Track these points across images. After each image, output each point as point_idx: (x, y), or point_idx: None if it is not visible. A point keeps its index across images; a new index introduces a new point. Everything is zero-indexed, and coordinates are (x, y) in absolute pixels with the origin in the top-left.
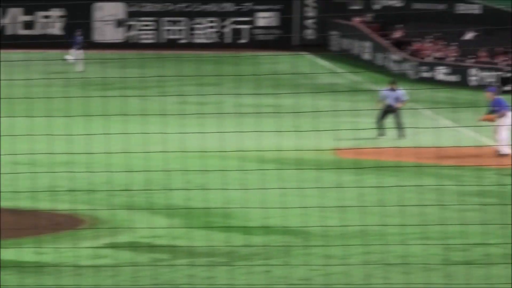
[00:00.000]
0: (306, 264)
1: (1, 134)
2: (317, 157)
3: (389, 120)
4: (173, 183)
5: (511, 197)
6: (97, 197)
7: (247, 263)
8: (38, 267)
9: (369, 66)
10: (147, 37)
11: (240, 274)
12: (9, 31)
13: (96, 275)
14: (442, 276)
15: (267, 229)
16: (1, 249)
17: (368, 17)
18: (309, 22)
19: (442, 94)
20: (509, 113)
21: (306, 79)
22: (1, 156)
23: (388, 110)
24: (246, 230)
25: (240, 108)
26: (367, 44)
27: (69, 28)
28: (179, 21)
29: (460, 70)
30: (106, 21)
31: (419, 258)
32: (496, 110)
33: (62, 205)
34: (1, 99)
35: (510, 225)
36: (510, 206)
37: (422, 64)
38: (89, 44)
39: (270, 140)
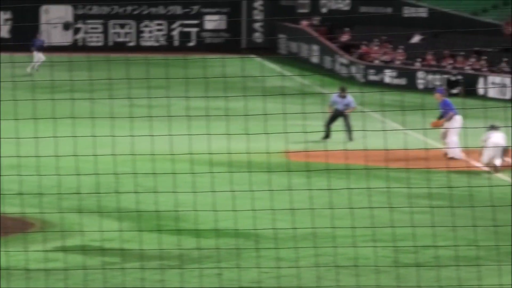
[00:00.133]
0: (257, 267)
1: None
2: (267, 160)
3: (338, 123)
4: (123, 186)
5: (459, 200)
6: (46, 200)
7: (198, 266)
8: None
9: (318, 69)
10: (95, 40)
11: (191, 277)
12: None
13: (46, 278)
14: (392, 278)
15: (218, 232)
16: None
17: (316, 20)
18: (257, 25)
19: (390, 97)
20: (457, 116)
21: (255, 82)
22: None
23: (338, 115)
24: (197, 233)
25: (190, 111)
26: (315, 47)
27: (15, 31)
28: (127, 24)
29: (407, 73)
30: (54, 24)
31: (369, 260)
32: (444, 111)
33: (11, 209)
34: None
35: (459, 227)
36: (459, 208)
37: (369, 67)
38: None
39: (220, 143)
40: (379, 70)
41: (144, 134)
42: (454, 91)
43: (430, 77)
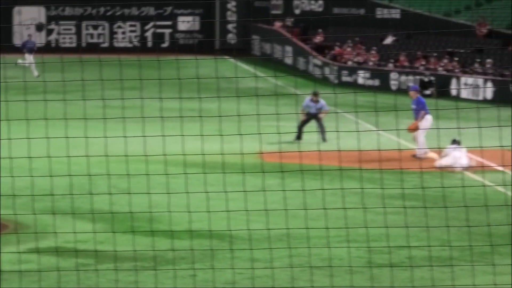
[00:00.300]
0: (232, 268)
1: None
2: (241, 161)
3: (312, 124)
4: (97, 188)
5: (432, 200)
6: (19, 202)
7: (173, 267)
8: None
9: (291, 70)
10: (68, 41)
11: (166, 278)
12: None
13: (20, 280)
14: (366, 278)
15: (192, 233)
16: None
17: (289, 21)
18: (230, 26)
19: (363, 98)
20: (428, 116)
21: (229, 83)
22: None
23: (310, 118)
24: (171, 234)
25: (164, 112)
26: (289, 48)
27: None
28: (100, 25)
29: (380, 74)
30: (26, 25)
31: (343, 260)
32: (417, 111)
33: None
34: None
35: (433, 228)
36: (432, 208)
37: (343, 68)
38: (8, 48)
39: (194, 144)
40: (352, 71)
41: (118, 135)
42: (427, 92)
43: (403, 78)
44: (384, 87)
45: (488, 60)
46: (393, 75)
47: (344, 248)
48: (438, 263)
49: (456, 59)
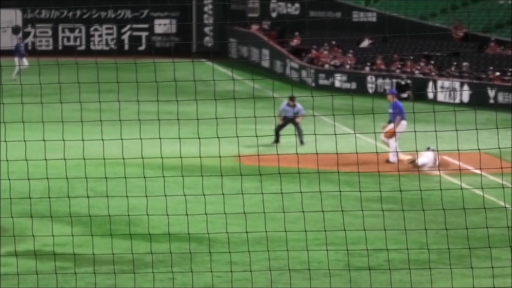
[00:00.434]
0: (210, 271)
1: None
2: (219, 164)
3: (289, 128)
4: (74, 191)
5: (410, 203)
6: None
7: (151, 271)
8: None
9: (268, 73)
10: (44, 44)
11: (145, 282)
12: None
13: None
14: (345, 281)
15: (170, 236)
16: None
17: (266, 25)
18: (207, 29)
19: (340, 101)
20: (403, 121)
21: (206, 86)
22: None
23: (287, 122)
24: (149, 237)
25: (141, 115)
26: (266, 51)
27: None
28: (77, 28)
29: (357, 78)
30: (2, 28)
31: (322, 263)
32: (393, 115)
33: None
34: None
35: (411, 231)
36: (410, 211)
37: (320, 71)
38: None
39: (172, 147)
40: (329, 74)
41: (95, 138)
42: (404, 95)
43: (380, 81)
44: (361, 90)
45: (465, 63)
46: (370, 78)
47: (323, 251)
48: (417, 266)
49: (433, 62)
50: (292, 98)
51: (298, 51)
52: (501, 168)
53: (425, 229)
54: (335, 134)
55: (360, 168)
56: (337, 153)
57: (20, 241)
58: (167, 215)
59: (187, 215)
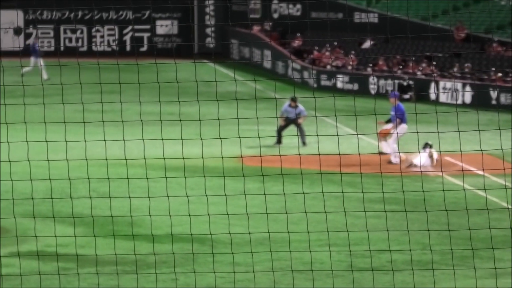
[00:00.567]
0: (213, 272)
1: None
2: (222, 164)
3: (292, 128)
4: (77, 192)
5: (412, 204)
6: None
7: (154, 271)
8: None
9: (270, 74)
10: (46, 45)
11: (147, 282)
12: None
13: (1, 284)
14: (348, 282)
15: (173, 237)
16: None
17: (267, 25)
18: (209, 30)
19: (342, 102)
20: (404, 125)
21: (208, 87)
22: None
23: (289, 123)
24: (152, 238)
25: (143, 116)
26: (268, 52)
27: None
28: (78, 29)
29: (359, 79)
30: (4, 29)
31: (324, 264)
32: (397, 116)
33: None
34: None
35: (413, 232)
36: (413, 212)
37: (321, 72)
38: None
39: (174, 148)
40: (331, 75)
41: (98, 139)
42: (406, 96)
43: (382, 82)
44: (363, 91)
45: (467, 64)
46: (372, 79)
47: (325, 252)
48: (419, 267)
49: (434, 63)
50: (294, 99)
51: (300, 52)
52: (504, 169)
53: (428, 230)
54: (337, 135)
55: (362, 169)
56: (339, 154)
57: (23, 241)
58: (170, 215)
59: (189, 215)
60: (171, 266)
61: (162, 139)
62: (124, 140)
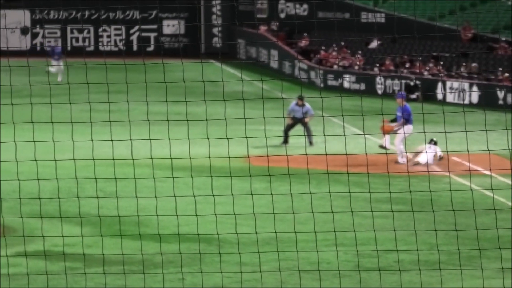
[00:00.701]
0: (220, 272)
1: None
2: (228, 164)
3: (298, 128)
4: (84, 191)
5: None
6: (6, 205)
7: (161, 271)
8: None
9: (277, 74)
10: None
11: (154, 282)
12: None
13: (8, 284)
14: (355, 282)
15: (180, 237)
16: None
17: (274, 25)
18: (215, 30)
19: (349, 102)
20: (410, 126)
21: (215, 87)
22: None
23: (296, 122)
24: (159, 238)
25: (150, 116)
26: (274, 52)
27: None
28: (85, 29)
29: (366, 78)
30: (11, 28)
31: (331, 264)
32: (404, 117)
33: None
34: None
35: (421, 232)
36: (420, 212)
37: (328, 72)
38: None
39: (181, 148)
40: (338, 75)
41: (105, 139)
42: (413, 96)
43: (389, 82)
44: (370, 91)
45: (473, 64)
46: (379, 79)
47: (332, 252)
48: (426, 267)
49: (441, 63)
50: (301, 98)
51: (306, 52)
52: (511, 169)
53: (435, 230)
54: (344, 135)
55: (369, 169)
56: (346, 154)
57: (30, 241)
58: (177, 215)
59: (196, 215)
60: (178, 266)
61: (169, 139)
62: (131, 140)
